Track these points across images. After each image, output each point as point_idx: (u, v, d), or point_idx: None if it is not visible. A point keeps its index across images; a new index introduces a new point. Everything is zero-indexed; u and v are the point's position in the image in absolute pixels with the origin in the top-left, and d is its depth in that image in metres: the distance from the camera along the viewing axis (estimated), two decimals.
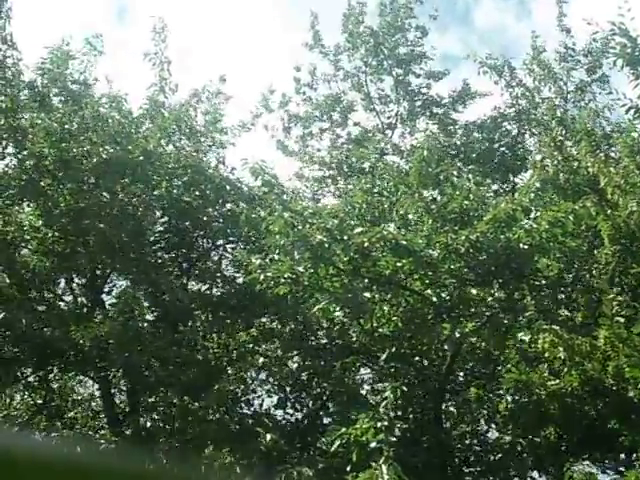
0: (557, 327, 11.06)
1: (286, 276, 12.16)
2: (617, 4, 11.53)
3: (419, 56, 22.27)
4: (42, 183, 14.32)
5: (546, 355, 11.17)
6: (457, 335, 12.64)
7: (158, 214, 15.89)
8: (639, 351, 10.09)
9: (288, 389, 15.38)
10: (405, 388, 13.08)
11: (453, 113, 22.27)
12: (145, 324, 13.77)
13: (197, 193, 15.69)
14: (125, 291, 13.95)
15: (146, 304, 14.65)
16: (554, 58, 20.99)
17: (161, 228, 16.00)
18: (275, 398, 15.39)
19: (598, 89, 20.78)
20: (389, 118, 22.86)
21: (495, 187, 19.45)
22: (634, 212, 12.01)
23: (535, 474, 14.24)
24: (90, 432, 14.75)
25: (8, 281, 13.72)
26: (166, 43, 16.65)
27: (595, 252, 12.98)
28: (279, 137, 22.66)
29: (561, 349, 10.80)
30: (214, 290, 15.84)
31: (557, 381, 12.04)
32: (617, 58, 11.51)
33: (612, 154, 14.42)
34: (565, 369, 11.26)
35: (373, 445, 8.91)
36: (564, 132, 16.98)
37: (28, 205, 14.76)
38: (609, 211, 12.23)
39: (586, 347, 10.76)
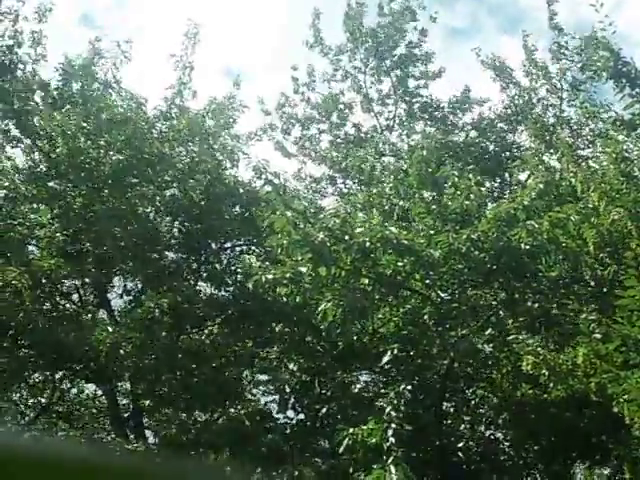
0: (540, 348, 11.09)
1: (288, 276, 12.11)
2: (598, 19, 11.76)
3: (420, 58, 22.27)
4: (55, 184, 14.26)
5: (530, 372, 11.17)
6: (458, 336, 12.64)
7: (169, 217, 15.87)
8: (617, 367, 10.12)
9: (289, 391, 15.36)
10: (408, 392, 13.11)
11: (451, 117, 22.26)
12: (163, 333, 13.69)
13: (210, 196, 15.66)
14: (145, 300, 13.81)
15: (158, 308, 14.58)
16: (549, 49, 21.07)
17: (172, 230, 15.97)
18: (276, 400, 15.41)
19: (592, 87, 20.87)
20: (387, 120, 22.86)
21: (489, 185, 19.45)
22: (617, 220, 12.08)
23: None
24: (96, 432, 14.77)
25: (24, 282, 13.60)
26: (194, 50, 16.67)
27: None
28: (278, 138, 22.64)
29: (544, 372, 10.85)
30: (223, 292, 15.82)
31: (545, 396, 12.16)
32: (601, 71, 11.65)
33: (595, 164, 14.55)
34: (551, 384, 11.30)
35: (387, 444, 8.91)
36: (545, 144, 17.14)
37: (40, 205, 14.65)
38: (593, 219, 12.30)
39: (567, 366, 10.82)
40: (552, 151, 16.78)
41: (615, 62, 11.43)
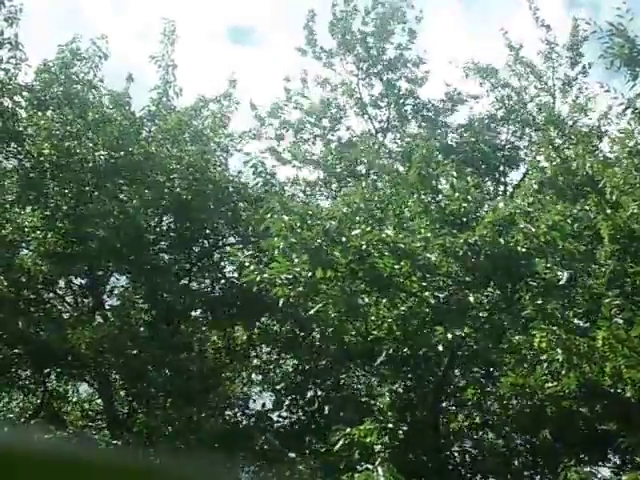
0: (555, 327, 11.07)
1: (283, 277, 12.08)
2: (615, 4, 11.67)
3: (409, 61, 22.30)
4: (43, 185, 14.18)
5: (544, 357, 11.17)
6: (454, 338, 12.61)
7: (158, 216, 15.81)
8: (637, 352, 10.12)
9: (283, 391, 15.34)
10: (402, 391, 13.08)
11: (442, 117, 22.28)
12: (142, 328, 13.64)
13: (198, 193, 15.56)
14: (122, 294, 13.80)
15: (144, 305, 14.55)
16: (539, 51, 21.12)
17: (161, 228, 15.91)
18: (271, 400, 15.38)
19: (582, 83, 21.03)
20: (380, 122, 22.84)
21: (485, 186, 19.49)
22: (635, 214, 12.10)
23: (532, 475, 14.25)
24: (90, 433, 14.71)
25: (5, 283, 13.54)
26: (173, 47, 16.57)
27: (594, 253, 12.99)
28: (272, 144, 22.59)
29: (559, 350, 10.81)
30: (214, 290, 15.76)
31: (555, 383, 12.09)
32: (615, 58, 11.59)
33: (609, 154, 14.59)
34: (563, 371, 11.27)
35: (378, 447, 8.91)
36: (559, 133, 17.16)
37: (28, 207, 14.55)
38: (609, 211, 12.28)
39: (584, 348, 10.78)
40: (568, 140, 16.72)
41: (630, 49, 11.33)
